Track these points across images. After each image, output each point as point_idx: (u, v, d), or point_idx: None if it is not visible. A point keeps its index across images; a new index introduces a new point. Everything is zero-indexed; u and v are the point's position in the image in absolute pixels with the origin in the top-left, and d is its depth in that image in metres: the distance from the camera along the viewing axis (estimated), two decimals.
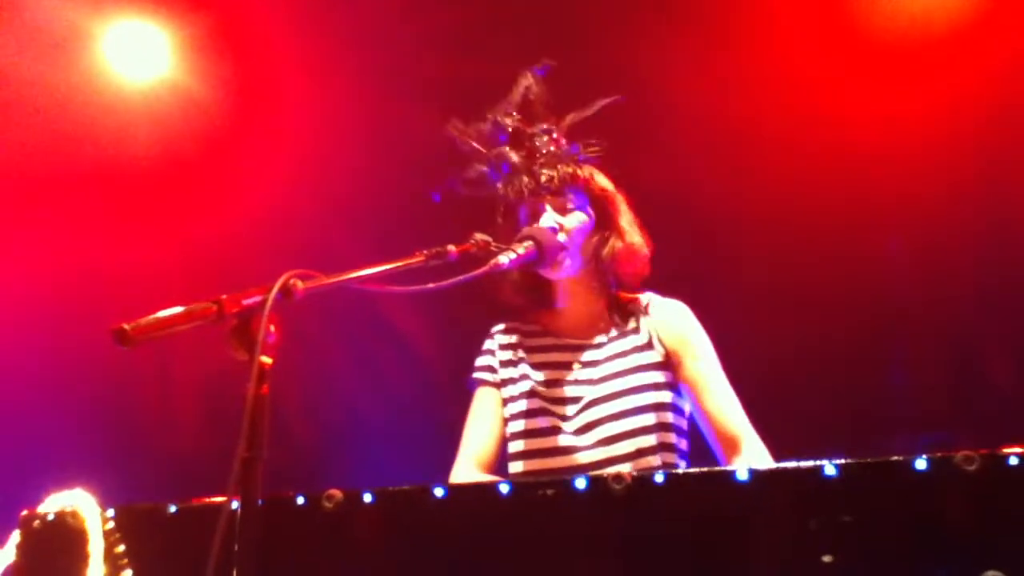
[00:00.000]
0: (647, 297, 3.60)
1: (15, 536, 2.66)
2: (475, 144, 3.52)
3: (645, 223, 3.64)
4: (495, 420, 3.54)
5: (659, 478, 2.29)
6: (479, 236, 3.09)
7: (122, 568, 2.55)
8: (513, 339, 3.64)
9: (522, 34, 5.87)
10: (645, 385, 3.40)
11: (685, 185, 5.69)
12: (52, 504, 2.65)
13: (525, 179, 3.43)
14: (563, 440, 3.39)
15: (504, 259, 3.10)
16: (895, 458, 2.17)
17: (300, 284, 2.27)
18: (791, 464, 2.27)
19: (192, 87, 6.24)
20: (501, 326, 3.70)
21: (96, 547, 2.56)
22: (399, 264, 2.68)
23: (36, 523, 2.67)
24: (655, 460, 3.32)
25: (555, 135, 3.49)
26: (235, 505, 2.08)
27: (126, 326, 2.01)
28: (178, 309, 2.10)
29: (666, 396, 3.41)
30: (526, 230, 3.33)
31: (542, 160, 3.45)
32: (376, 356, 6.50)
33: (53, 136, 5.98)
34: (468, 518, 2.41)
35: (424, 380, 6.34)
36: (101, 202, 6.21)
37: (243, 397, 2.09)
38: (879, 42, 5.84)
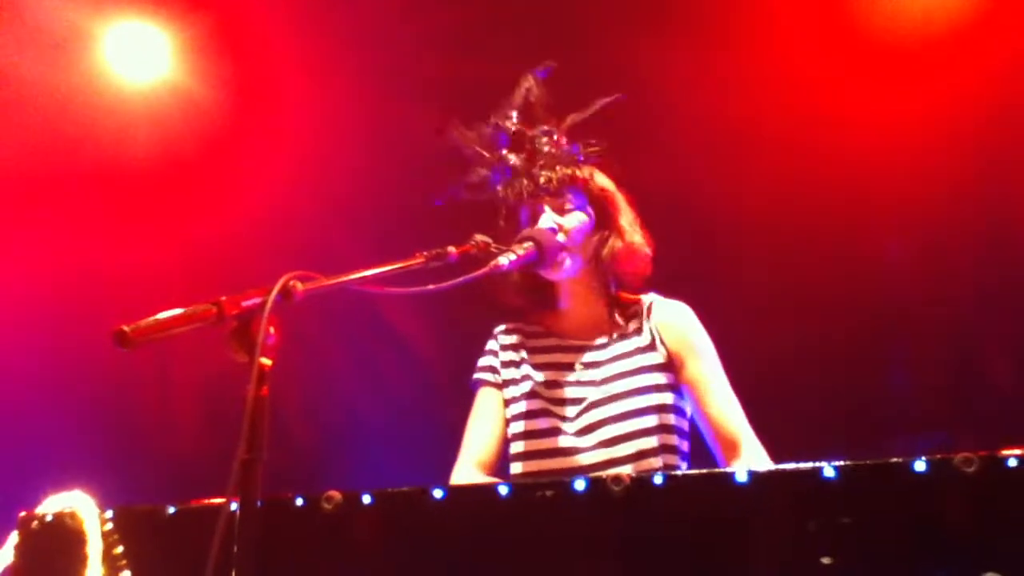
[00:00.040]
0: (649, 298, 3.60)
1: (13, 537, 2.66)
2: (477, 148, 3.52)
3: (645, 223, 3.64)
4: (497, 421, 3.54)
5: (658, 480, 2.29)
6: (479, 237, 3.09)
7: (120, 569, 2.55)
8: (515, 339, 3.64)
9: (522, 34, 5.87)
10: (647, 387, 3.40)
11: (685, 185, 5.69)
12: (51, 505, 2.65)
13: (524, 181, 3.44)
14: (564, 441, 3.39)
15: (504, 260, 3.10)
16: (894, 460, 2.17)
17: (300, 286, 2.27)
18: (790, 466, 2.27)
19: (192, 88, 6.24)
20: (503, 326, 3.69)
21: (95, 548, 2.56)
22: (399, 265, 2.68)
23: (35, 524, 2.67)
24: (656, 462, 3.32)
25: (555, 136, 3.49)
26: (234, 506, 2.08)
27: (126, 328, 2.01)
28: (178, 311, 2.10)
29: (668, 398, 3.41)
30: (526, 232, 3.33)
31: (541, 162, 3.45)
32: (375, 357, 6.50)
33: (53, 137, 5.98)
34: (467, 520, 2.41)
35: (423, 381, 6.34)
36: (101, 203, 6.21)
37: (243, 399, 2.09)
38: (879, 42, 5.83)
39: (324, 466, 6.32)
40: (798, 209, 5.75)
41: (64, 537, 2.60)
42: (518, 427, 3.48)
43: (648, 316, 3.54)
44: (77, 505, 2.61)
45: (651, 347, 3.48)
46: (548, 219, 3.45)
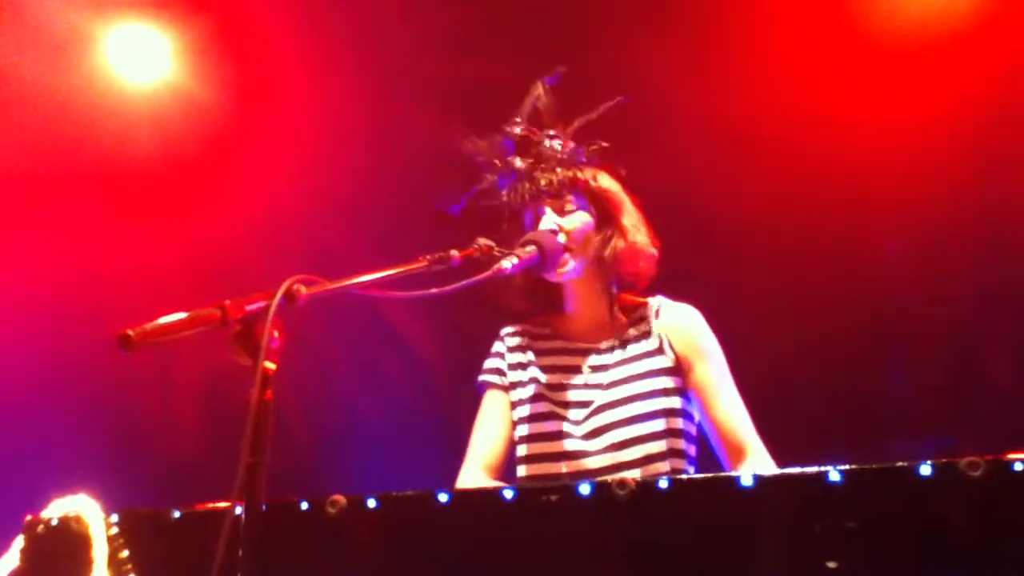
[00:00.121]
0: (657, 301, 3.60)
1: (19, 541, 2.66)
2: (486, 156, 3.52)
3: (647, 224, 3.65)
4: (503, 423, 3.54)
5: (663, 484, 2.29)
6: (482, 241, 3.08)
7: (126, 573, 2.55)
8: (522, 341, 3.64)
9: (522, 34, 5.89)
10: (655, 391, 3.39)
11: (685, 185, 5.69)
12: (56, 509, 2.65)
13: (526, 184, 3.44)
14: (572, 445, 3.39)
15: (507, 264, 3.10)
16: (899, 464, 2.16)
17: (303, 289, 2.27)
18: (795, 470, 2.26)
19: (193, 89, 6.24)
20: (510, 328, 3.69)
21: (100, 552, 2.56)
22: (402, 269, 2.68)
23: (40, 528, 2.66)
24: (664, 466, 3.31)
25: (560, 140, 3.50)
26: (239, 510, 2.08)
27: (131, 332, 2.01)
28: (182, 315, 2.10)
29: (676, 402, 3.40)
30: (528, 235, 3.33)
31: (543, 165, 3.46)
32: (378, 360, 6.50)
33: (55, 137, 5.99)
34: (472, 524, 2.40)
35: (426, 384, 6.34)
36: (102, 203, 6.21)
37: (245, 401, 2.09)
38: (879, 43, 5.84)
39: (326, 468, 6.31)
40: (798, 209, 5.76)
41: (70, 541, 2.59)
42: (524, 430, 3.47)
43: (656, 319, 3.54)
44: (82, 509, 2.61)
45: (659, 351, 3.47)
46: (549, 220, 3.45)
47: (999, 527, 2.11)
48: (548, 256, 3.29)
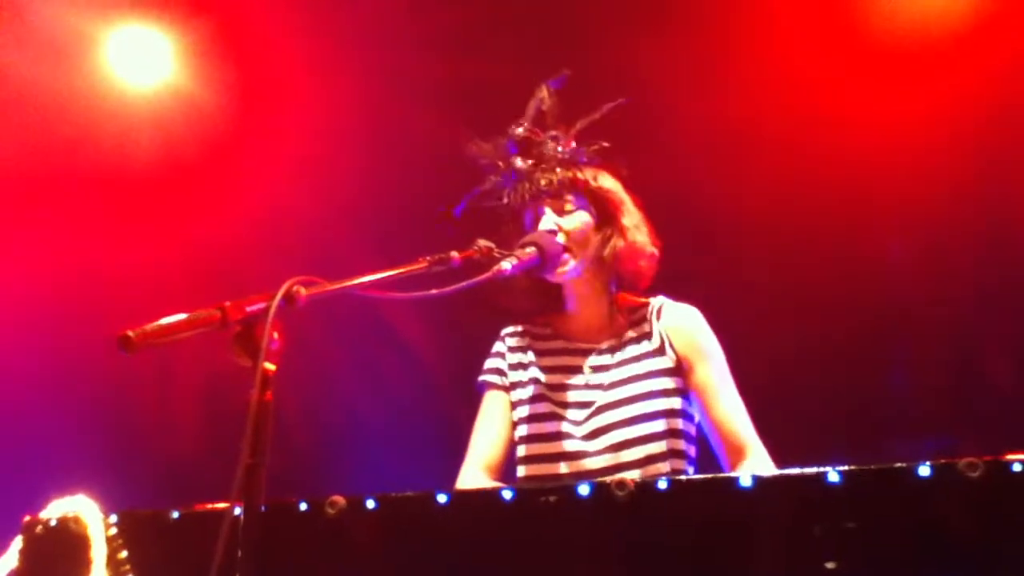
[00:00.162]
0: (659, 301, 3.60)
1: (18, 541, 2.66)
2: (489, 157, 3.53)
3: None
4: (504, 424, 3.54)
5: (662, 484, 2.29)
6: (482, 242, 3.08)
7: (125, 574, 2.55)
8: (523, 342, 3.64)
9: (522, 34, 5.89)
10: (656, 391, 3.40)
11: (685, 186, 5.69)
12: (55, 509, 2.65)
13: (526, 185, 3.45)
14: (572, 445, 3.39)
15: (507, 265, 3.10)
16: (898, 465, 2.16)
17: (303, 291, 2.27)
18: (794, 470, 2.26)
19: (194, 91, 6.25)
20: (511, 328, 3.69)
21: (99, 553, 2.56)
22: (402, 270, 2.68)
23: (39, 528, 2.66)
24: (664, 467, 3.31)
25: (561, 141, 3.50)
26: (238, 511, 2.08)
27: (131, 333, 2.01)
28: (182, 316, 2.10)
29: (676, 402, 3.40)
30: (528, 236, 3.33)
31: (543, 165, 3.46)
32: (378, 361, 6.50)
33: (56, 139, 6.00)
34: (471, 524, 2.40)
35: (425, 385, 6.34)
36: (103, 205, 6.22)
37: (245, 402, 2.09)
38: (879, 43, 5.84)
39: (325, 469, 6.32)
40: (798, 209, 5.76)
41: (68, 541, 2.59)
42: (524, 430, 3.47)
43: (658, 319, 3.54)
44: (81, 509, 2.61)
45: (660, 351, 3.47)
46: (549, 221, 3.45)
47: (998, 528, 2.11)
48: (548, 257, 3.29)
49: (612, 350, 3.52)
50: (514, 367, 3.60)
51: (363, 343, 6.44)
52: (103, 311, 5.74)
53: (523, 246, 3.26)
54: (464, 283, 2.89)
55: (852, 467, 2.18)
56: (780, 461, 3.27)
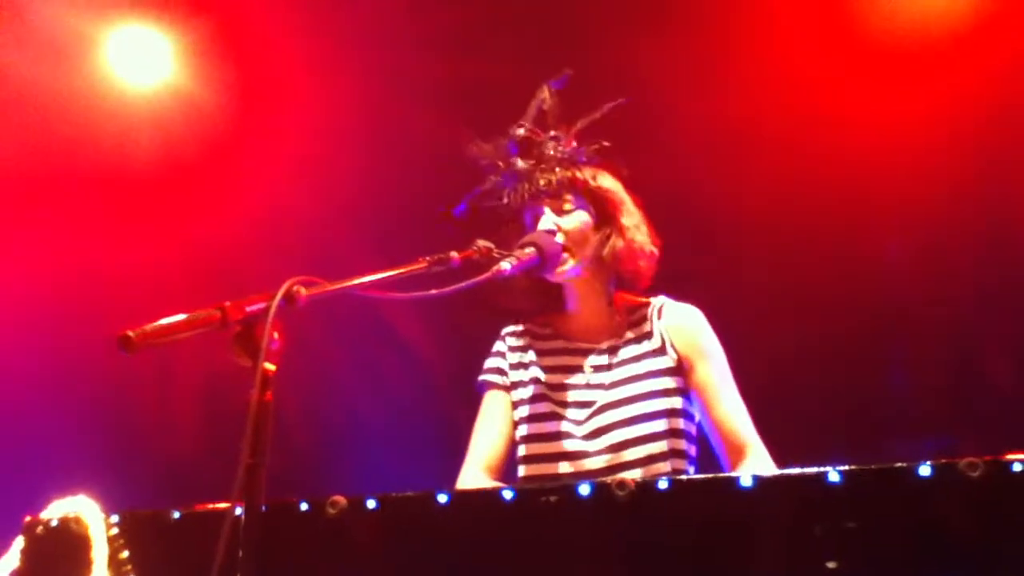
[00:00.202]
0: (659, 300, 3.60)
1: (19, 542, 2.66)
2: (490, 158, 3.53)
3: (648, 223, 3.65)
4: (504, 423, 3.54)
5: (663, 484, 2.29)
6: (481, 243, 3.08)
7: (126, 574, 2.55)
8: (524, 341, 3.64)
9: (522, 34, 5.89)
10: (657, 391, 3.40)
11: (685, 185, 5.69)
12: (56, 510, 2.65)
13: (526, 185, 3.45)
14: (572, 445, 3.39)
15: (506, 265, 3.10)
16: (899, 464, 2.17)
17: (303, 291, 2.27)
18: (795, 470, 2.27)
19: (194, 91, 6.25)
20: (511, 328, 3.70)
21: (100, 553, 2.56)
22: (402, 270, 2.68)
23: (40, 529, 2.66)
24: (665, 466, 3.32)
25: (562, 141, 3.50)
26: (239, 511, 2.08)
27: (131, 333, 2.01)
28: (182, 316, 2.10)
29: (677, 402, 3.41)
30: (527, 236, 3.34)
31: (543, 165, 3.47)
32: (378, 361, 6.50)
33: (56, 139, 6.00)
34: (471, 524, 2.40)
35: (425, 385, 6.34)
36: (103, 205, 6.22)
37: (245, 402, 2.10)
38: (879, 43, 5.84)
39: (325, 469, 6.32)
40: (798, 209, 5.76)
41: (69, 542, 2.59)
42: (525, 430, 3.47)
43: (659, 319, 3.54)
44: (82, 509, 2.61)
45: (661, 351, 3.48)
46: (548, 221, 3.46)
47: (998, 528, 2.11)
48: (547, 256, 3.30)
49: (613, 350, 3.52)
50: (515, 367, 3.60)
51: (363, 343, 6.44)
52: (103, 311, 5.74)
53: (522, 246, 3.26)
54: (464, 283, 2.89)
55: (852, 467, 2.18)
56: (780, 461, 3.27)
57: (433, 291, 2.74)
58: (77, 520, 2.60)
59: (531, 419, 3.47)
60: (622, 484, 2.28)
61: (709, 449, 3.44)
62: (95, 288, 6.11)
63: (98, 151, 6.11)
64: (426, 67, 6.03)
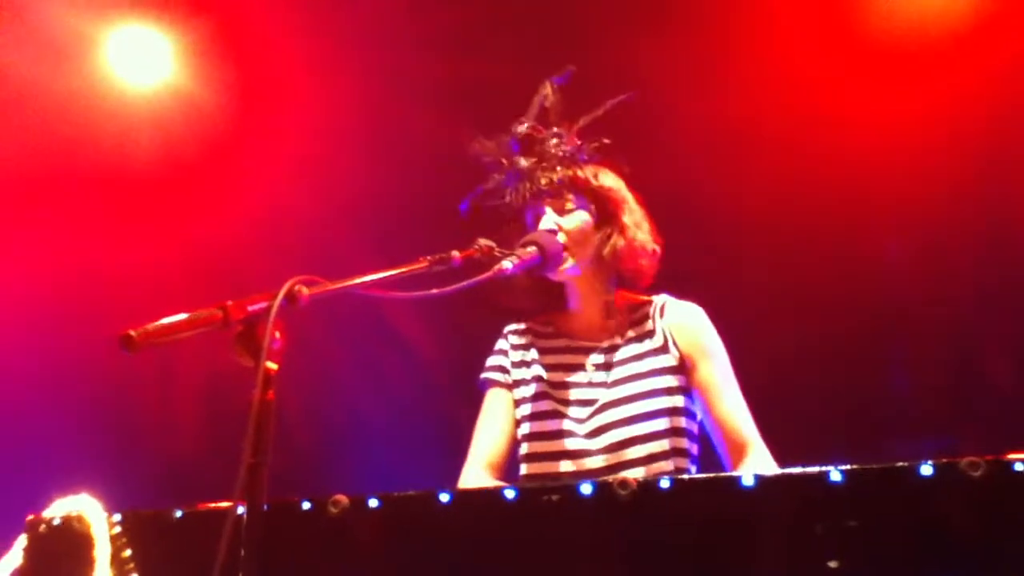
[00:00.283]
0: (662, 299, 3.60)
1: (21, 540, 2.67)
2: (493, 156, 3.52)
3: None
4: (506, 422, 3.54)
5: (665, 484, 2.29)
6: (483, 242, 3.09)
7: (128, 572, 2.55)
8: (526, 339, 3.65)
9: (522, 34, 5.90)
10: (659, 389, 3.40)
11: (685, 185, 5.69)
12: (58, 508, 2.65)
13: (527, 184, 3.45)
14: (575, 443, 3.39)
15: (508, 264, 3.10)
16: (900, 464, 2.17)
17: (305, 290, 2.27)
18: (797, 470, 2.27)
19: (194, 91, 6.25)
20: (514, 326, 3.70)
21: (102, 552, 2.56)
22: (403, 270, 2.68)
23: (42, 527, 2.66)
24: (667, 465, 3.32)
25: (564, 139, 3.50)
26: (241, 510, 2.08)
27: (133, 332, 2.01)
28: (184, 315, 2.10)
29: (679, 401, 3.41)
30: (528, 235, 3.34)
31: (544, 164, 3.47)
32: (379, 360, 6.50)
33: (57, 139, 6.00)
34: (473, 523, 2.41)
35: (426, 384, 6.34)
36: (104, 205, 6.23)
37: (246, 401, 2.10)
38: (879, 43, 5.85)
39: (327, 468, 6.31)
40: (798, 209, 5.76)
41: (72, 540, 2.60)
42: (526, 428, 3.48)
43: (661, 317, 3.54)
44: (85, 508, 2.62)
45: (664, 349, 3.48)
46: (549, 220, 3.46)
47: (1000, 527, 2.11)
48: (548, 256, 3.30)
49: (615, 348, 3.53)
50: (517, 365, 3.60)
51: (364, 343, 6.44)
52: (104, 311, 5.74)
53: (524, 245, 3.26)
54: (465, 282, 2.89)
55: (854, 466, 2.18)
56: (780, 461, 3.28)
57: (435, 290, 2.74)
58: (80, 519, 2.61)
59: (533, 417, 3.47)
60: (624, 483, 2.28)
61: (711, 448, 3.44)
62: (96, 288, 6.11)
63: (98, 151, 6.11)
64: (426, 67, 6.03)
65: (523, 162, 3.48)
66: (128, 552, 2.58)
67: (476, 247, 3.05)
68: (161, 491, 5.77)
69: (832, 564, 2.15)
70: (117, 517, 2.63)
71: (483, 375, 3.66)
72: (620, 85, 3.64)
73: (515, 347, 3.64)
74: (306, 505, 2.49)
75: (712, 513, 2.26)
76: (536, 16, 5.97)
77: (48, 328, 6.06)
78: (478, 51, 5.92)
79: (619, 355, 3.51)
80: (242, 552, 2.07)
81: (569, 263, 3.43)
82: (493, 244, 3.11)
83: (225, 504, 2.39)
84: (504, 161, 3.51)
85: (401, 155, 6.12)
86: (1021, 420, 5.24)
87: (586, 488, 2.31)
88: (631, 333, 3.54)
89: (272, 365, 2.14)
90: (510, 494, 2.38)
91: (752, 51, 5.88)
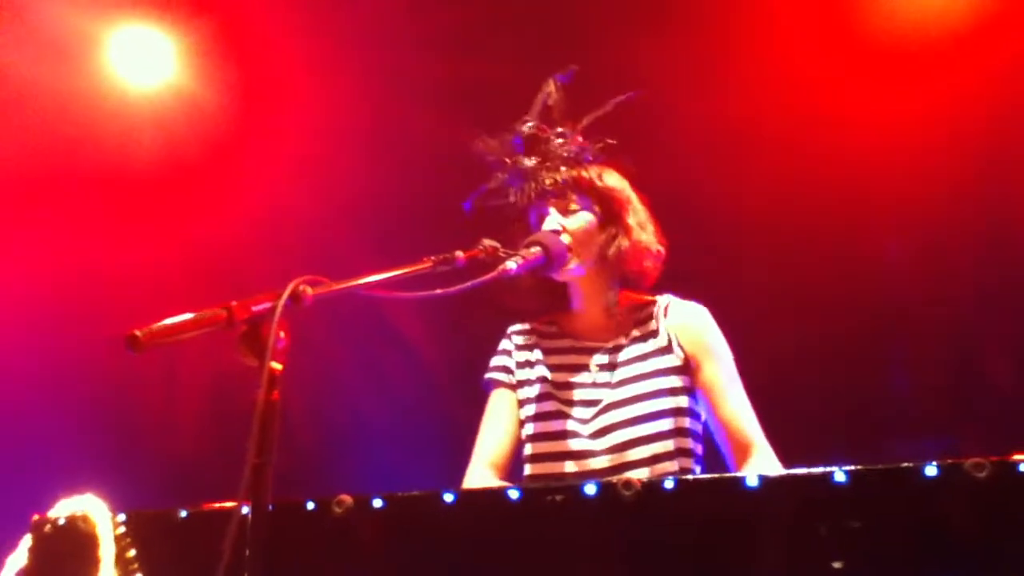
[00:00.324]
0: (666, 299, 3.60)
1: (26, 540, 2.67)
2: (496, 154, 3.52)
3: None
4: (511, 422, 3.54)
5: (669, 484, 2.29)
6: (487, 242, 3.09)
7: (133, 573, 2.56)
8: (530, 340, 3.64)
9: (522, 34, 5.90)
10: (663, 390, 3.39)
11: (685, 185, 5.68)
12: (63, 509, 2.66)
13: (531, 184, 3.45)
14: (579, 444, 3.39)
15: (511, 264, 3.11)
16: (905, 464, 2.17)
17: (310, 290, 2.28)
18: (801, 470, 2.26)
19: (196, 91, 6.26)
20: (518, 326, 3.70)
21: (107, 552, 2.56)
22: (407, 270, 2.68)
23: (47, 527, 2.67)
24: (672, 465, 3.31)
25: (568, 138, 3.50)
26: (245, 510, 2.08)
27: (138, 333, 2.01)
28: (188, 315, 2.11)
29: (684, 401, 3.40)
30: (532, 236, 3.34)
31: (548, 164, 3.46)
32: (382, 360, 6.50)
33: (58, 140, 6.00)
34: (478, 524, 2.41)
35: (429, 384, 6.35)
36: (105, 205, 6.23)
37: (249, 400, 2.10)
38: (879, 43, 5.85)
39: (329, 468, 6.32)
40: (798, 209, 5.77)
41: (77, 540, 2.60)
42: (531, 429, 3.47)
43: (665, 317, 3.54)
44: (89, 508, 2.62)
45: (668, 349, 3.47)
46: (553, 221, 3.46)
47: (1005, 528, 2.11)
48: (552, 256, 3.30)
49: (619, 348, 3.52)
50: (521, 365, 3.60)
51: (367, 343, 6.45)
52: (105, 311, 5.74)
53: (528, 245, 3.27)
54: (469, 283, 2.90)
55: (858, 467, 2.18)
56: (781, 461, 3.28)
57: (439, 290, 2.74)
58: (84, 519, 2.61)
59: (537, 418, 3.47)
60: (628, 484, 2.28)
61: (715, 448, 3.44)
62: (97, 288, 6.12)
63: (100, 151, 6.12)
64: (426, 67, 6.04)
65: (527, 161, 3.47)
66: (132, 552, 2.58)
67: (480, 247, 3.06)
68: (165, 491, 5.78)
69: (836, 565, 2.16)
70: (122, 517, 2.64)
71: (487, 375, 3.65)
72: (620, 85, 3.64)
73: (519, 347, 3.64)
74: (310, 505, 2.50)
75: (716, 514, 2.26)
76: (536, 16, 5.97)
77: (50, 328, 6.06)
78: (478, 51, 5.92)
79: (623, 355, 3.50)
80: (247, 552, 2.07)
81: (573, 264, 3.43)
82: (497, 244, 3.12)
83: (230, 504, 2.40)
84: (508, 160, 3.50)
85: (401, 155, 6.12)
86: (1021, 420, 5.24)
87: (590, 488, 2.31)
88: (635, 333, 3.53)
89: (277, 365, 2.14)
90: (514, 494, 2.38)
91: (752, 51, 5.88)
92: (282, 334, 2.16)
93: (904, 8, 5.85)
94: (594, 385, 3.48)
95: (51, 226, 6.16)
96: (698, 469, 3.39)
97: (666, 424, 3.34)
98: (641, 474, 3.24)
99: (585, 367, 3.52)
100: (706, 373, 3.44)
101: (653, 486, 2.29)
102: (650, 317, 3.55)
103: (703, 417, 3.45)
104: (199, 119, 6.24)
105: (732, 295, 5.39)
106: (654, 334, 3.51)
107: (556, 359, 3.57)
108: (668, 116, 5.74)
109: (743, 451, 3.33)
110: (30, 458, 5.72)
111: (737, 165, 5.88)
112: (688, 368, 3.45)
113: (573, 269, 3.43)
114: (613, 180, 3.57)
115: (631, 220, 3.52)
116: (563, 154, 3.48)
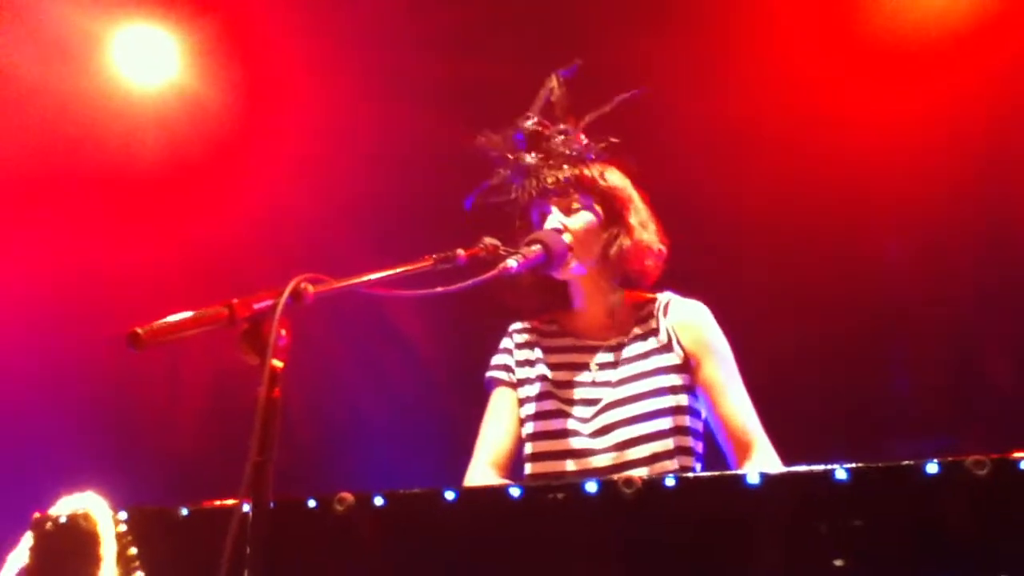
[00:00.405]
0: (666, 297, 3.59)
1: (27, 538, 2.67)
2: (499, 151, 3.52)
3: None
4: (511, 421, 3.53)
5: (670, 482, 2.29)
6: (488, 240, 3.09)
7: (134, 570, 2.56)
8: (530, 338, 3.64)
9: (522, 34, 5.90)
10: (663, 388, 3.39)
11: (685, 185, 5.68)
12: (64, 506, 2.66)
13: (533, 182, 3.45)
14: (579, 443, 3.38)
15: (512, 263, 3.10)
16: (905, 462, 2.16)
17: (311, 288, 2.28)
18: (802, 468, 2.26)
19: (199, 91, 6.26)
20: (518, 325, 3.69)
21: (108, 549, 2.56)
22: (408, 268, 2.69)
23: (48, 525, 2.67)
24: (672, 464, 3.30)
25: (570, 136, 3.50)
26: (246, 508, 2.08)
27: (139, 330, 2.02)
28: (190, 313, 2.11)
29: (684, 399, 3.40)
30: (534, 234, 3.34)
31: (551, 162, 3.46)
32: (382, 358, 6.50)
33: (61, 139, 6.01)
34: (478, 521, 2.41)
35: (429, 382, 6.35)
36: (106, 204, 6.24)
37: (250, 398, 2.10)
38: (879, 43, 5.85)
39: (329, 466, 6.32)
40: (798, 209, 5.76)
41: (78, 538, 2.60)
42: (531, 427, 3.47)
43: (665, 315, 3.53)
44: (91, 506, 2.62)
45: (668, 347, 3.47)
46: (555, 219, 3.46)
47: (1005, 526, 2.11)
48: (554, 255, 3.30)
49: (619, 347, 3.52)
50: (521, 364, 3.60)
51: (368, 341, 6.45)
52: (106, 310, 5.74)
53: (529, 244, 3.27)
54: (470, 281, 2.89)
55: (859, 465, 2.18)
56: (781, 461, 3.28)
57: (439, 289, 2.74)
58: (86, 516, 2.61)
59: (537, 417, 3.47)
60: (629, 482, 2.28)
61: (716, 446, 3.44)
62: (97, 288, 6.12)
63: (103, 150, 6.12)
64: (426, 67, 6.04)
65: (529, 158, 3.47)
66: (134, 550, 2.58)
67: (481, 245, 3.06)
68: (167, 489, 5.78)
69: (837, 563, 2.16)
70: (123, 515, 2.64)
71: (488, 374, 3.65)
72: (620, 85, 3.65)
73: (520, 346, 3.63)
74: (312, 503, 2.49)
75: (717, 511, 2.26)
76: (536, 16, 5.97)
77: (52, 326, 6.06)
78: (478, 51, 5.92)
79: (623, 354, 3.50)
80: (248, 550, 2.07)
81: (574, 263, 3.43)
82: (498, 243, 3.12)
83: (231, 502, 2.40)
84: (510, 156, 3.50)
85: (401, 155, 6.12)
86: (1021, 420, 5.24)
87: (591, 486, 2.31)
88: (636, 331, 3.53)
89: (278, 363, 2.14)
90: (515, 492, 2.38)
91: (752, 51, 5.88)
92: (283, 332, 2.16)
93: (904, 8, 5.85)
94: (595, 384, 3.48)
95: (52, 226, 6.17)
96: (699, 467, 3.39)
97: (666, 422, 3.34)
98: (642, 472, 3.24)
99: (586, 366, 3.52)
100: (706, 371, 3.43)
101: (654, 484, 2.29)
102: (650, 315, 3.55)
103: (703, 415, 3.45)
104: (202, 118, 6.25)
105: (732, 295, 5.38)
106: (654, 332, 3.51)
107: (557, 358, 3.57)
108: (668, 115, 5.73)
109: (744, 449, 3.33)
110: (31, 456, 5.72)
111: (737, 165, 5.88)
112: (688, 366, 3.44)
113: (574, 268, 3.43)
114: (615, 179, 3.57)
115: (633, 219, 3.52)
116: (565, 152, 3.48)
